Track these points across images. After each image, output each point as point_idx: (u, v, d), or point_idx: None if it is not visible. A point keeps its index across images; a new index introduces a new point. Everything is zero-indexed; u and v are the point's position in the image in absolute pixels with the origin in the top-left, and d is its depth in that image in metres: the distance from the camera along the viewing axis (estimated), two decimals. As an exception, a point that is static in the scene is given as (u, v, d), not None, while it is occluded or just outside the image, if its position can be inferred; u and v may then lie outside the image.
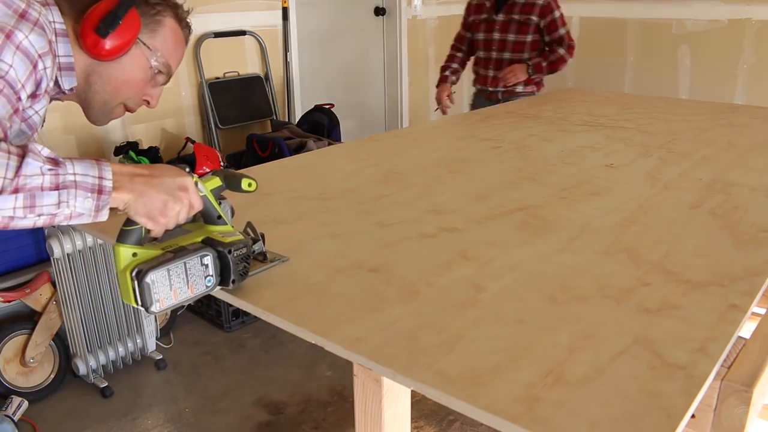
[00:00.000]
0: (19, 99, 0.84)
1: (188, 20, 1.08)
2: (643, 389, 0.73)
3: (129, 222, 0.88)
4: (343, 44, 3.87)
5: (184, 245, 0.92)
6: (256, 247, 1.05)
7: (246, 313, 2.63)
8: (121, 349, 2.30)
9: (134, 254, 0.89)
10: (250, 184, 0.99)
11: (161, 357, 2.39)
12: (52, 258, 2.06)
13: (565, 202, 1.37)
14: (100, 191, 0.81)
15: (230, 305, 2.57)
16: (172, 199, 0.87)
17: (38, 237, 2.19)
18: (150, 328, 2.38)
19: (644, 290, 0.97)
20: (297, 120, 3.39)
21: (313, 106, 3.30)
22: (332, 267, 1.06)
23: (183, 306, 2.68)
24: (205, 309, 2.69)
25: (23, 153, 0.76)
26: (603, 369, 0.77)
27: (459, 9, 4.35)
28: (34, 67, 0.86)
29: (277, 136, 2.96)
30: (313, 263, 1.08)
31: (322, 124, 3.22)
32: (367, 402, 1.01)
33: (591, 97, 2.71)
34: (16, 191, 0.74)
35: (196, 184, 0.92)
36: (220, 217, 0.97)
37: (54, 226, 2.08)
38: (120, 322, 2.28)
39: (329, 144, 2.92)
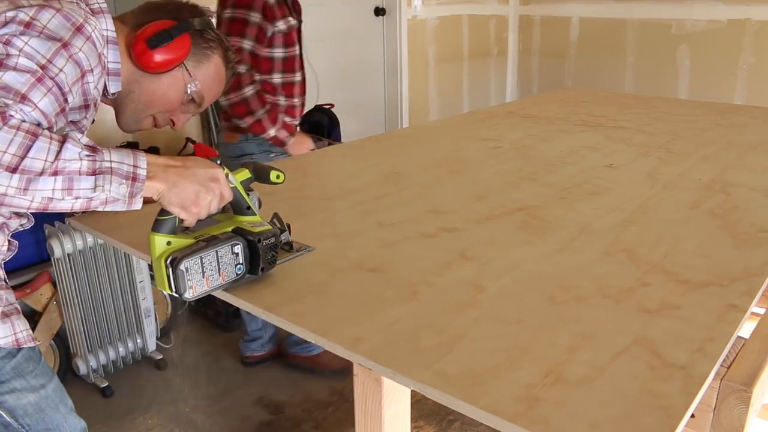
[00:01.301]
0: (66, 101, 0.90)
1: (234, 64, 1.16)
2: (643, 389, 0.73)
3: (163, 212, 0.92)
4: (343, 44, 3.87)
5: (216, 234, 0.96)
6: (283, 237, 1.07)
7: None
8: (121, 349, 2.30)
9: (168, 243, 0.92)
10: (278, 176, 1.04)
11: (161, 357, 2.39)
12: (52, 258, 2.07)
13: (564, 202, 1.37)
14: (134, 179, 0.85)
15: (230, 305, 2.57)
16: (204, 190, 0.92)
17: (39, 237, 2.19)
18: (150, 328, 2.38)
19: (644, 290, 0.97)
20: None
21: (313, 106, 3.30)
22: (332, 267, 1.06)
23: (184, 306, 2.68)
24: (205, 309, 2.69)
25: (63, 139, 0.81)
26: (603, 369, 0.77)
27: (459, 9, 4.36)
28: (82, 76, 0.93)
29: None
30: (313, 263, 1.08)
31: (322, 124, 3.22)
32: (367, 402, 1.01)
33: (591, 97, 2.71)
34: (55, 174, 0.79)
35: (226, 175, 0.96)
36: (249, 207, 1.01)
37: (54, 226, 2.09)
38: (120, 322, 2.28)
39: (329, 144, 2.92)
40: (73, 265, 2.10)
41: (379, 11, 4.02)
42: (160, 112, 1.11)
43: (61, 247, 2.05)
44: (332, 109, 3.26)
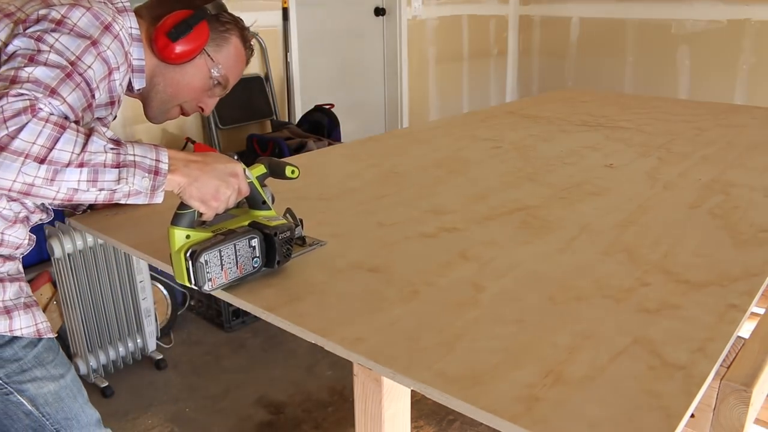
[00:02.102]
0: (93, 97, 0.93)
1: (251, 42, 1.18)
2: (643, 389, 0.73)
3: (182, 206, 0.94)
4: (343, 44, 3.87)
5: (233, 228, 0.98)
6: (296, 232, 1.08)
7: (246, 313, 2.63)
8: (121, 349, 2.30)
9: (187, 236, 0.94)
10: (293, 171, 1.06)
11: (162, 357, 2.39)
12: (52, 258, 2.07)
13: (564, 202, 1.37)
14: (156, 173, 0.88)
15: (230, 305, 2.57)
16: (223, 185, 0.94)
17: (39, 237, 2.19)
18: (150, 328, 2.38)
19: (644, 290, 0.97)
20: (297, 120, 3.39)
21: (313, 106, 3.30)
22: (332, 267, 1.06)
23: (185, 305, 2.68)
24: (205, 309, 2.70)
25: (90, 132, 0.84)
26: (602, 369, 0.77)
27: (459, 9, 4.36)
28: (109, 74, 0.97)
29: (277, 136, 2.96)
30: (313, 263, 1.08)
31: (322, 124, 3.22)
32: (367, 402, 1.01)
33: (590, 97, 2.71)
34: (81, 165, 0.82)
35: (243, 171, 0.99)
36: (264, 202, 1.04)
37: (54, 226, 2.09)
38: (120, 322, 2.28)
39: (329, 144, 2.92)
40: (73, 265, 2.10)
41: (379, 11, 4.02)
42: (187, 100, 1.14)
43: (61, 247, 2.05)
44: (332, 109, 3.26)
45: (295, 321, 0.90)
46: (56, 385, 1.08)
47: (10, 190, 0.81)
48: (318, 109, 3.28)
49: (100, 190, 0.84)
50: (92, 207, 1.33)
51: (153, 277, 2.44)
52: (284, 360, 2.42)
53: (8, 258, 1.05)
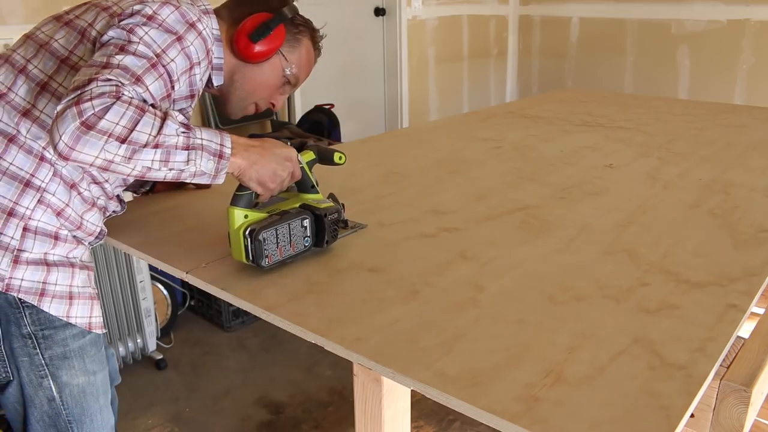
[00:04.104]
0: (173, 88, 1.01)
1: (320, 45, 1.27)
2: (643, 389, 0.73)
3: (241, 188, 1.01)
4: (343, 44, 3.87)
5: (286, 209, 1.05)
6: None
7: (246, 313, 2.63)
8: (121, 349, 2.30)
9: (245, 216, 1.01)
10: (340, 158, 1.15)
11: (161, 357, 2.39)
12: (52, 258, 2.06)
13: (564, 202, 1.37)
14: (220, 156, 0.95)
15: (230, 305, 2.57)
16: (280, 168, 1.02)
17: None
18: (150, 328, 2.39)
19: (643, 290, 0.97)
20: (297, 120, 3.39)
21: (313, 106, 3.30)
22: (332, 267, 1.06)
23: (185, 304, 2.68)
24: (205, 309, 2.70)
25: (165, 116, 0.91)
26: (602, 369, 0.77)
27: (459, 9, 4.36)
28: (191, 68, 1.04)
29: (277, 137, 2.96)
30: (313, 263, 1.08)
31: (322, 124, 3.23)
32: (367, 402, 1.01)
33: (590, 97, 2.71)
34: (156, 147, 0.88)
35: (297, 156, 1.06)
36: (313, 186, 1.12)
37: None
38: (120, 322, 2.28)
39: (329, 144, 2.92)
40: (73, 265, 2.10)
41: (379, 11, 4.02)
42: (262, 97, 1.22)
43: (61, 247, 2.05)
44: (332, 109, 3.26)
45: (295, 321, 0.90)
46: (86, 380, 1.10)
47: (91, 165, 0.87)
48: (318, 109, 3.28)
49: (170, 169, 0.91)
50: (153, 190, 1.41)
51: (153, 277, 2.44)
52: (284, 360, 2.42)
53: (82, 243, 1.09)
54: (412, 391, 0.85)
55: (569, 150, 1.81)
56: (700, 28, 3.85)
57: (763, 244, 1.15)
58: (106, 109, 0.85)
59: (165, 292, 2.54)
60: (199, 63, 1.06)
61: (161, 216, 1.31)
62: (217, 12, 1.15)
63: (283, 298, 0.96)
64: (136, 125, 0.87)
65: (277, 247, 1.02)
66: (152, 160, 0.89)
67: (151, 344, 2.40)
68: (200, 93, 1.13)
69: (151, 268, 2.38)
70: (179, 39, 1.01)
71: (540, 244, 1.15)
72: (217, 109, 3.10)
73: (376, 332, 0.86)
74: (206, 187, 1.46)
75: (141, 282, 2.32)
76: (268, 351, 2.49)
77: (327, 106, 3.26)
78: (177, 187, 1.47)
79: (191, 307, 2.75)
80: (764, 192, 1.43)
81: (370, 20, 4.03)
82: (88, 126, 0.84)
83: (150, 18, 0.99)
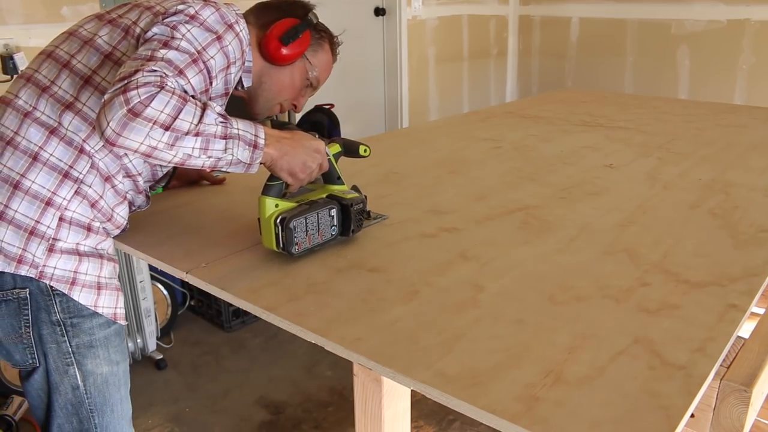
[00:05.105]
0: (211, 84, 1.05)
1: (338, 51, 1.33)
2: (643, 389, 0.73)
3: (272, 178, 1.06)
4: (343, 44, 3.87)
5: (315, 199, 1.10)
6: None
7: (246, 313, 2.63)
8: (121, 349, 2.30)
9: (276, 205, 1.06)
10: (365, 150, 1.21)
11: (161, 357, 2.39)
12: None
13: (564, 202, 1.37)
14: (255, 146, 0.99)
15: (230, 305, 2.57)
16: (309, 159, 1.07)
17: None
18: (150, 328, 2.38)
19: (644, 290, 0.97)
20: (297, 120, 3.38)
21: (313, 107, 3.30)
22: (332, 267, 1.06)
23: (185, 304, 2.68)
24: (205, 309, 2.70)
25: (204, 106, 0.95)
26: (603, 369, 0.77)
27: (459, 9, 4.36)
28: (227, 67, 1.09)
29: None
30: (313, 263, 1.08)
31: (322, 125, 3.22)
32: (367, 402, 1.01)
33: (590, 98, 2.71)
34: (197, 135, 0.93)
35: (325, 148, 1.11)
36: (339, 177, 1.17)
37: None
38: (120, 322, 2.28)
39: (329, 144, 2.91)
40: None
41: (379, 11, 4.02)
42: (287, 98, 1.27)
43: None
44: (332, 109, 3.26)
45: (295, 321, 0.90)
46: (109, 370, 1.13)
47: (135, 151, 0.90)
48: (318, 109, 3.28)
49: (209, 157, 0.95)
50: (167, 186, 1.44)
51: (153, 277, 2.44)
52: (284, 360, 2.42)
53: (109, 236, 1.13)
54: (412, 391, 0.85)
55: (569, 150, 1.81)
56: (700, 28, 3.85)
57: (763, 244, 1.15)
58: (152, 98, 0.89)
59: (165, 292, 2.54)
60: (234, 62, 1.10)
61: (161, 216, 1.31)
62: (245, 17, 1.19)
63: (283, 298, 0.96)
64: (179, 113, 0.91)
65: (306, 235, 1.06)
66: (192, 148, 0.93)
67: (151, 344, 2.40)
68: (230, 92, 1.16)
69: (151, 268, 2.38)
70: (219, 38, 1.05)
71: (540, 244, 1.15)
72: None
73: (376, 332, 0.86)
74: (220, 183, 1.51)
75: (141, 282, 2.31)
76: (268, 351, 2.49)
77: (327, 106, 3.26)
78: (191, 183, 1.51)
79: (191, 307, 2.75)
80: (764, 192, 1.43)
81: (370, 20, 4.03)
82: (134, 113, 0.88)
83: (192, 17, 1.04)
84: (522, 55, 4.76)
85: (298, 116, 3.43)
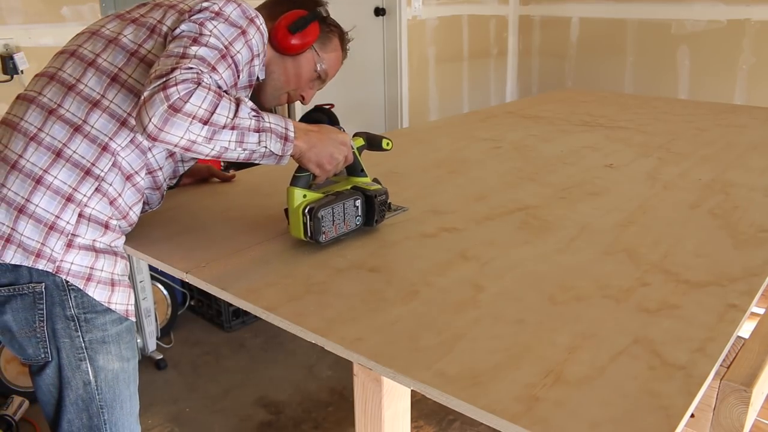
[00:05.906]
0: (238, 77, 1.09)
1: (348, 47, 1.34)
2: (643, 389, 0.73)
3: (300, 169, 1.09)
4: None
5: (340, 190, 1.14)
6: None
7: (246, 313, 2.63)
8: (121, 349, 2.30)
9: (304, 195, 1.09)
10: (388, 144, 1.23)
11: (161, 357, 2.39)
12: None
13: (564, 202, 1.37)
14: (286, 138, 1.03)
15: (230, 305, 2.57)
16: (336, 151, 1.11)
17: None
18: (150, 328, 2.38)
19: (644, 290, 0.97)
20: (297, 120, 3.38)
21: (313, 107, 3.30)
22: (332, 267, 1.06)
23: (185, 304, 2.68)
24: (205, 309, 2.70)
25: (238, 101, 0.99)
26: (603, 369, 0.77)
27: (459, 9, 4.36)
28: (252, 60, 1.12)
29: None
30: (313, 263, 1.08)
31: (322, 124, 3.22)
32: (367, 402, 1.01)
33: (590, 98, 2.71)
34: (233, 128, 0.96)
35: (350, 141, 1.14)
36: (362, 170, 1.20)
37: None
38: (120, 322, 2.28)
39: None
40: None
41: (379, 11, 4.02)
42: (294, 89, 1.29)
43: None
44: (332, 109, 3.26)
45: (295, 321, 0.90)
46: (120, 366, 1.14)
47: (175, 146, 0.94)
48: (318, 109, 3.27)
49: (244, 150, 0.99)
50: (178, 184, 1.46)
51: (153, 277, 2.44)
52: (284, 360, 2.42)
53: (123, 234, 1.14)
54: (412, 391, 0.85)
55: (569, 150, 1.81)
56: (700, 28, 3.85)
57: (763, 244, 1.15)
58: (190, 94, 0.92)
59: (165, 292, 2.54)
60: (258, 55, 1.13)
61: (161, 216, 1.31)
62: (258, 10, 1.21)
63: (283, 298, 0.96)
64: (215, 108, 0.94)
65: (333, 225, 1.10)
66: (229, 141, 0.96)
67: (151, 344, 2.40)
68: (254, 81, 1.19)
69: (151, 268, 2.38)
70: (243, 33, 1.08)
71: (540, 244, 1.15)
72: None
73: (376, 332, 0.86)
74: (230, 180, 1.56)
75: (141, 282, 2.31)
76: (268, 351, 2.49)
77: (327, 106, 3.25)
78: (202, 180, 1.53)
79: (191, 307, 2.75)
80: (764, 192, 1.43)
81: (370, 20, 4.03)
82: (175, 109, 0.91)
83: (217, 14, 1.08)
84: (522, 55, 4.76)
85: (298, 116, 3.43)
